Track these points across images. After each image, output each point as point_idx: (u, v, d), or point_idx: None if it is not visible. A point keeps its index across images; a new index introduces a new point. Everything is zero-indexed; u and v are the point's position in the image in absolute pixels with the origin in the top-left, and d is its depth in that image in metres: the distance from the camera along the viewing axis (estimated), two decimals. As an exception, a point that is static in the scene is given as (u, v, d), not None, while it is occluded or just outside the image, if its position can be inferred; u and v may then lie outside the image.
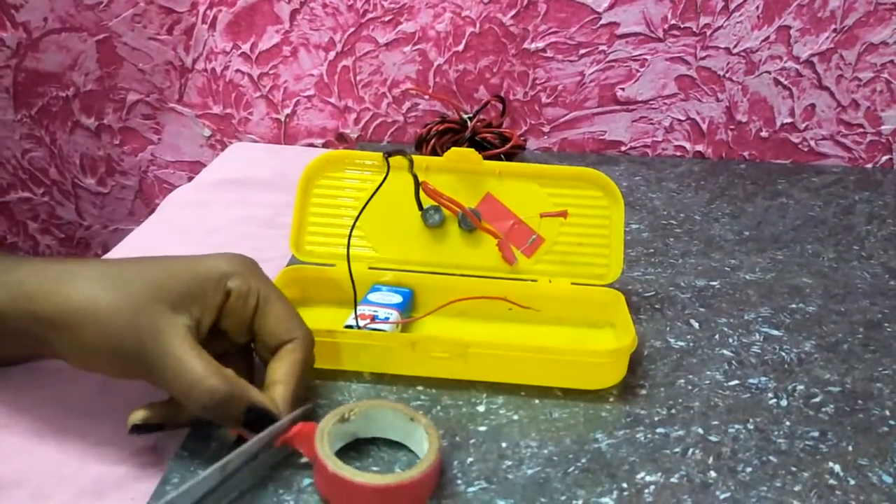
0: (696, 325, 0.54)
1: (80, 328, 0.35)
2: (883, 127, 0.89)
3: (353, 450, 0.40)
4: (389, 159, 0.51)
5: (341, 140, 0.94)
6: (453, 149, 0.53)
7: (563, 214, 0.53)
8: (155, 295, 0.35)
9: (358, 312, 0.48)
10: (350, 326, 0.47)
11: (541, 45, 0.88)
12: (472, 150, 0.53)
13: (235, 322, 0.39)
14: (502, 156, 0.81)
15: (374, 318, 0.48)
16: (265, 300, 0.39)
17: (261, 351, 0.41)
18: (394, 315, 0.49)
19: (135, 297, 0.35)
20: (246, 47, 0.89)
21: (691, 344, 0.52)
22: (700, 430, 0.43)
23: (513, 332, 0.52)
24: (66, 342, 0.36)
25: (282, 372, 0.38)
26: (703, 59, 0.88)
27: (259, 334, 0.40)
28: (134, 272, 0.36)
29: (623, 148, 0.93)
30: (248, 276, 0.39)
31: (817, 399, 0.46)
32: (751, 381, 0.48)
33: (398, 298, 0.51)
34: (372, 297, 0.51)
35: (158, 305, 0.35)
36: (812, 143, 0.91)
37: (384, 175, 0.50)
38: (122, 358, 0.35)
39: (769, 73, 0.88)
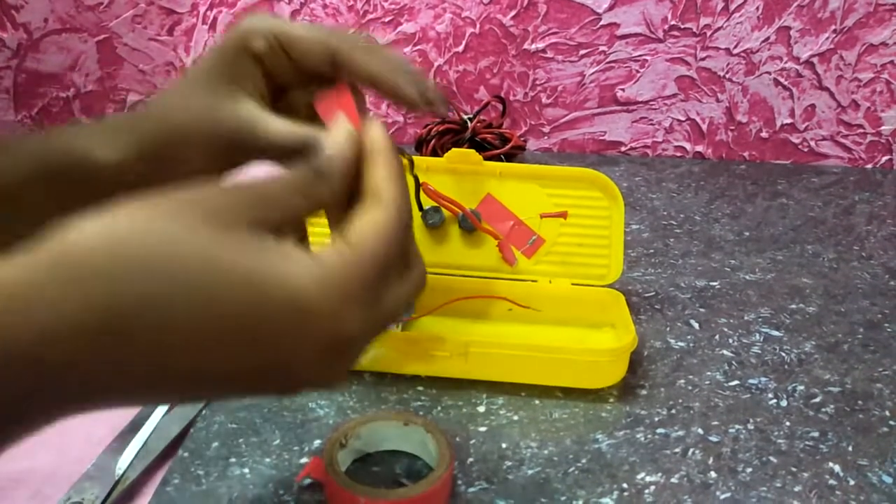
0: (697, 325, 0.54)
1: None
2: (883, 127, 0.89)
3: (369, 463, 0.40)
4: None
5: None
6: (453, 150, 0.53)
7: (564, 215, 0.53)
8: (206, 90, 0.33)
9: None
10: None
11: (541, 45, 0.88)
12: (472, 150, 0.53)
13: (287, 75, 0.34)
14: (502, 156, 0.81)
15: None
16: (286, 31, 0.34)
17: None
18: None
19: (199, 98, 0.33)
20: (246, 48, 0.89)
21: (691, 344, 0.52)
22: (700, 431, 0.43)
23: (513, 332, 0.52)
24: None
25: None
26: (704, 59, 0.88)
27: (300, 61, 0.34)
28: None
29: (623, 148, 0.93)
30: (257, 27, 0.34)
31: (817, 399, 0.46)
32: (751, 381, 0.48)
33: None
34: None
35: (217, 97, 0.33)
36: (812, 143, 0.91)
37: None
38: (217, 151, 0.33)
39: (769, 73, 0.88)
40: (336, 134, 0.30)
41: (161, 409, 0.43)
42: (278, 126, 0.33)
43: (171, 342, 0.23)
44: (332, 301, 0.25)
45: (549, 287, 0.53)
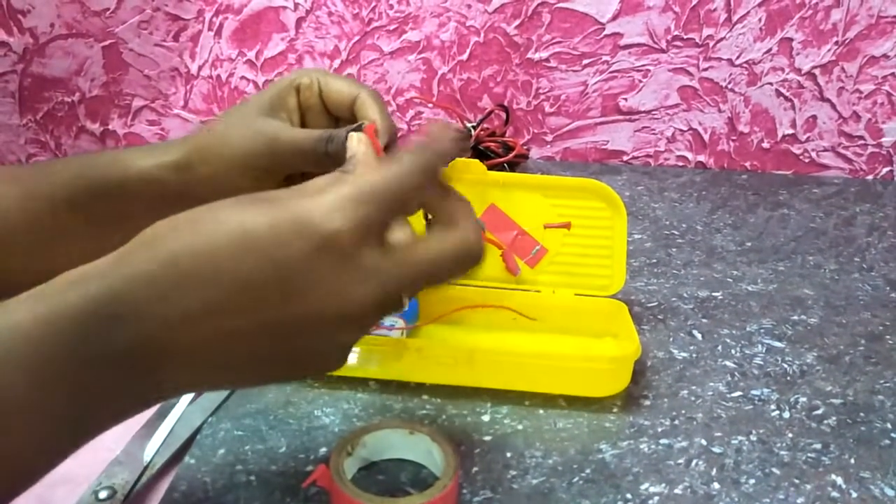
0: (699, 335, 0.55)
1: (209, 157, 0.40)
2: (884, 139, 0.90)
3: (374, 471, 0.40)
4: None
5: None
6: (457, 159, 0.53)
7: (567, 226, 0.53)
8: (253, 112, 0.41)
9: None
10: None
11: (544, 54, 0.88)
12: (476, 160, 0.53)
13: (315, 114, 0.42)
14: (505, 165, 0.81)
15: (379, 325, 0.49)
16: (325, 78, 0.42)
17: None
18: (399, 322, 0.49)
19: (240, 123, 0.41)
20: (251, 55, 0.90)
21: (694, 355, 0.52)
22: (703, 442, 0.43)
23: (517, 341, 0.52)
24: (202, 173, 0.40)
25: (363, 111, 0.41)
26: (706, 70, 0.88)
27: (329, 104, 0.42)
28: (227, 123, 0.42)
29: (625, 158, 0.93)
30: (309, 71, 0.42)
31: (819, 411, 0.47)
32: (753, 392, 0.48)
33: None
34: None
35: (261, 121, 0.40)
36: (813, 154, 0.91)
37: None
38: (252, 160, 0.40)
39: (771, 84, 0.88)
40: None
41: (185, 399, 0.45)
42: (298, 133, 0.40)
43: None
44: (326, 207, 0.28)
45: (552, 297, 0.53)
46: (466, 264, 0.32)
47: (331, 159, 0.37)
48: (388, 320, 0.49)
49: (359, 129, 0.37)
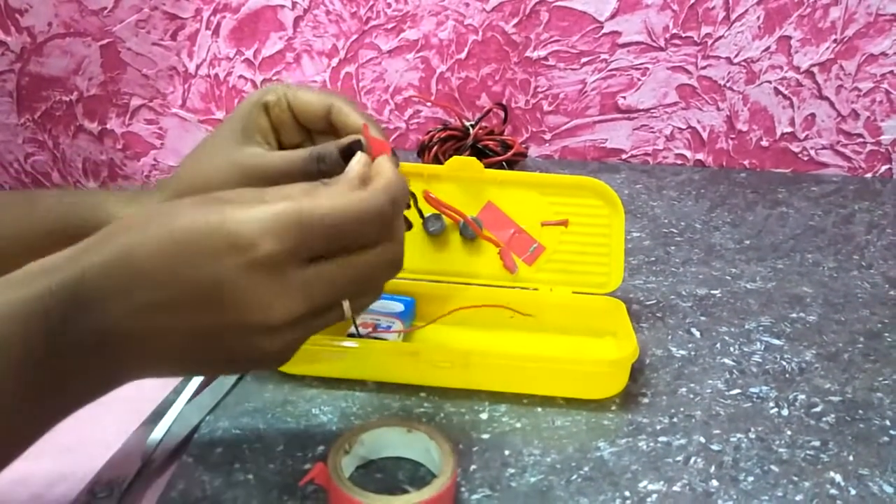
0: (698, 333, 0.55)
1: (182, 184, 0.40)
2: (882, 137, 0.90)
3: (372, 469, 0.40)
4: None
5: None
6: (455, 157, 0.53)
7: (564, 223, 0.53)
8: (225, 142, 0.40)
9: (359, 321, 0.48)
10: (352, 335, 0.48)
11: (543, 53, 0.88)
12: (473, 158, 0.53)
13: (288, 129, 0.42)
14: (504, 163, 0.81)
15: (375, 327, 0.48)
16: (293, 91, 0.41)
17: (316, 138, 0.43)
18: (395, 324, 0.49)
19: (212, 156, 0.41)
20: (249, 53, 0.90)
21: (692, 353, 0.52)
22: (702, 439, 0.43)
23: (514, 340, 0.52)
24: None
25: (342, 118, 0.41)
26: (704, 68, 0.88)
27: (301, 117, 0.41)
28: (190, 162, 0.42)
29: (624, 156, 0.93)
30: (274, 88, 0.42)
31: (818, 408, 0.47)
32: (752, 390, 0.48)
33: (400, 307, 0.51)
34: (374, 305, 0.51)
35: (237, 150, 0.40)
36: (812, 152, 0.91)
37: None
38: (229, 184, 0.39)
39: (770, 82, 0.88)
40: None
41: (183, 397, 0.45)
42: (277, 157, 0.39)
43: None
44: (258, 227, 0.29)
45: (549, 295, 0.53)
46: (393, 273, 0.34)
47: (324, 175, 0.37)
48: (384, 322, 0.49)
49: (357, 144, 0.37)
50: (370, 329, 0.48)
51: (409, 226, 0.53)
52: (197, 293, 0.29)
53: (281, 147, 0.42)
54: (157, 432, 0.42)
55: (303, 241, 0.29)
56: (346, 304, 0.32)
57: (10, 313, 0.28)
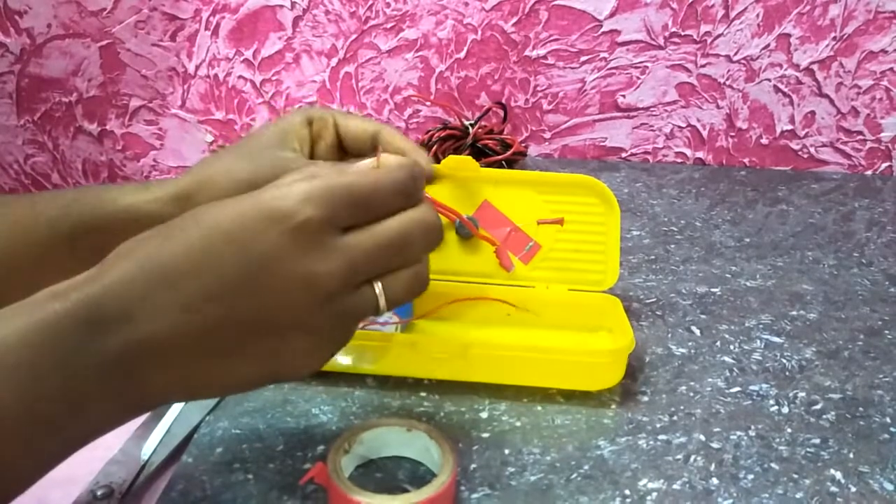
0: (698, 331, 0.55)
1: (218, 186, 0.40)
2: (882, 134, 0.90)
3: (372, 469, 0.40)
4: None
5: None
6: (450, 156, 0.53)
7: (560, 222, 0.53)
8: (261, 144, 0.41)
9: None
10: None
11: (542, 52, 0.88)
12: (469, 157, 0.53)
13: (325, 144, 0.43)
14: (503, 162, 0.81)
15: (372, 321, 0.49)
16: (342, 115, 0.44)
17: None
18: (393, 318, 0.49)
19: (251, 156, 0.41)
20: (248, 54, 0.90)
21: (692, 350, 0.52)
22: (702, 437, 0.43)
23: (511, 335, 0.52)
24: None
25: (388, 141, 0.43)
26: (704, 66, 0.88)
27: (347, 139, 0.43)
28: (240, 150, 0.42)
29: (624, 154, 0.93)
30: (322, 109, 0.44)
31: (818, 406, 0.47)
32: (752, 387, 0.48)
33: None
34: None
35: (270, 150, 0.41)
36: (812, 149, 0.91)
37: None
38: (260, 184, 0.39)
39: (769, 80, 0.88)
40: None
41: None
42: (310, 162, 0.41)
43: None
44: (295, 198, 0.29)
45: (546, 293, 0.53)
46: (430, 237, 0.33)
47: None
48: (382, 317, 0.49)
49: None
50: (367, 321, 0.48)
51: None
52: (232, 275, 0.28)
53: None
54: (157, 433, 0.42)
55: (337, 210, 0.30)
56: (378, 288, 0.32)
57: (17, 341, 0.26)
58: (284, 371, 0.31)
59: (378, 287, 0.31)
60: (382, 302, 0.32)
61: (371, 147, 0.42)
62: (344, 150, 0.45)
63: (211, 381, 0.30)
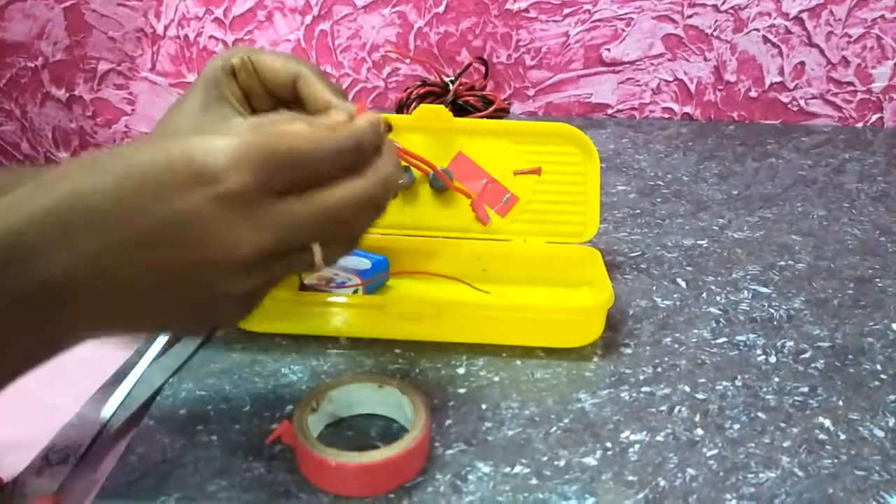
0: (683, 283, 0.53)
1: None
2: (873, 84, 0.87)
3: (343, 427, 0.38)
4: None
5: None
6: (423, 106, 0.51)
7: (537, 171, 0.51)
8: (197, 109, 0.38)
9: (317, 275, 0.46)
10: (304, 287, 0.46)
11: (524, 4, 0.85)
12: (441, 107, 0.51)
13: (258, 95, 0.39)
14: (485, 119, 0.78)
15: (329, 282, 0.46)
16: (254, 54, 0.39)
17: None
18: (353, 280, 0.47)
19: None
20: (219, 12, 0.86)
21: (678, 303, 0.50)
22: (686, 388, 0.42)
23: (485, 295, 0.50)
24: None
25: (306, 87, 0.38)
26: (690, 17, 0.85)
27: (267, 83, 0.39)
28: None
29: (610, 111, 0.91)
30: (237, 51, 0.39)
31: (807, 355, 0.45)
32: (739, 338, 0.47)
33: (367, 264, 0.49)
34: (341, 261, 0.49)
35: (205, 113, 0.37)
36: (802, 102, 0.89)
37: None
38: None
39: (758, 30, 0.86)
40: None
41: (145, 360, 0.43)
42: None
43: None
44: (226, 158, 0.27)
45: (523, 246, 0.51)
46: (371, 214, 0.31)
47: None
48: (341, 277, 0.47)
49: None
50: (322, 283, 0.46)
51: (411, 179, 0.51)
52: (159, 231, 0.27)
53: (254, 113, 0.39)
54: (117, 395, 0.40)
55: (272, 174, 0.27)
56: (316, 249, 0.30)
57: None
58: (208, 319, 0.30)
59: (316, 249, 0.30)
60: (319, 260, 0.30)
61: (293, 92, 0.38)
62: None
63: (133, 325, 0.29)
